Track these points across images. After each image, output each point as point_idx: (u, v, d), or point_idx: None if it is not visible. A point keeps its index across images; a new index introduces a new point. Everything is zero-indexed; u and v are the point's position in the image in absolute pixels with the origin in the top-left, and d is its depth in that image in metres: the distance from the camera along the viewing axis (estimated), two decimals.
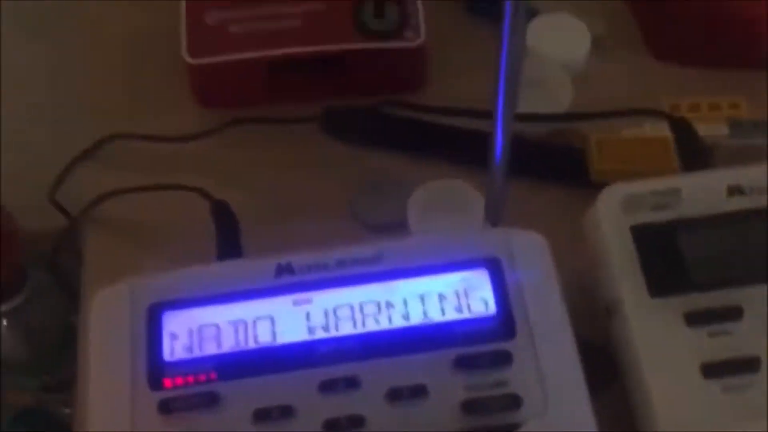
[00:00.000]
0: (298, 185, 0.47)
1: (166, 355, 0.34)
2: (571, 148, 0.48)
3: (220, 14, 0.47)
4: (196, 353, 0.34)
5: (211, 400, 0.32)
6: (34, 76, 0.52)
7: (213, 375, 0.33)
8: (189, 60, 0.47)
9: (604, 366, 0.38)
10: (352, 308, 0.35)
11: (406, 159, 0.48)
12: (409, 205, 0.44)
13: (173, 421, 0.32)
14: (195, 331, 0.34)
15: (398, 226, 0.45)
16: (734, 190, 0.38)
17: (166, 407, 0.32)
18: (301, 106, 0.49)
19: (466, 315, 0.35)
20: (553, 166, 0.48)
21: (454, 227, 0.44)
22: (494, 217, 0.39)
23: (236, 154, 0.48)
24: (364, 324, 0.34)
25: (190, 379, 0.33)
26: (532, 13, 0.53)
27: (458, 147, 0.48)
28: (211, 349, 0.34)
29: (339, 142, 0.49)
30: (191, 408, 0.32)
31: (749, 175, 0.38)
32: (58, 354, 0.61)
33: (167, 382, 0.33)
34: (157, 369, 0.33)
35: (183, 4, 0.48)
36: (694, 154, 0.42)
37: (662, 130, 0.46)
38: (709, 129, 0.47)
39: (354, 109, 0.49)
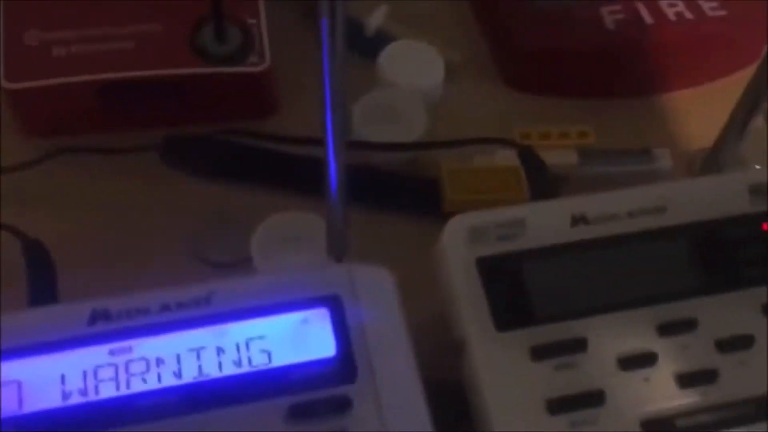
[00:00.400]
0: (133, 221, 0.43)
1: None
2: (424, 178, 0.47)
3: (41, 35, 0.43)
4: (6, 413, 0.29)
5: None
6: None
7: None
8: (5, 85, 0.42)
9: (457, 405, 0.37)
10: (176, 357, 0.31)
11: (252, 190, 0.46)
12: (253, 240, 0.42)
13: None
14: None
15: (244, 263, 0.42)
16: (578, 220, 0.37)
17: None
18: (138, 135, 0.45)
19: (302, 358, 0.32)
20: (407, 196, 0.46)
21: (301, 262, 0.41)
22: (337, 250, 0.37)
23: (61, 187, 0.43)
24: (189, 374, 0.31)
25: None
26: (386, 40, 0.52)
27: (304, 176, 0.45)
28: (10, 410, 0.30)
29: (178, 173, 0.45)
30: None
31: (593, 203, 0.37)
32: None
33: None
34: None
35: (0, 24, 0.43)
36: (542, 183, 0.41)
37: (514, 159, 0.46)
38: (559, 157, 0.47)
39: (195, 137, 0.46)
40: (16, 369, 0.30)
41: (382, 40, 0.52)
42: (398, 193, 0.46)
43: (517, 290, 0.35)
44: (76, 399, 0.30)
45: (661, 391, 0.34)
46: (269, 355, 0.32)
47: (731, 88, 0.47)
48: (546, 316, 0.35)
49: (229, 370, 0.31)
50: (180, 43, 0.44)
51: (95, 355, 0.31)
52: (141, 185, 0.45)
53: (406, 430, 0.31)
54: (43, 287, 0.36)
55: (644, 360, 0.34)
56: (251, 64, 0.45)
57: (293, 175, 0.46)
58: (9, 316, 0.32)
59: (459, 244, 0.36)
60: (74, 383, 0.31)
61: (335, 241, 0.36)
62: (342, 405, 0.31)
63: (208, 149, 0.46)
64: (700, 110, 0.53)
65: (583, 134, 0.48)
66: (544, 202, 0.38)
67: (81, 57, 0.43)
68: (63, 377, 0.31)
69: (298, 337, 0.33)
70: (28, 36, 0.43)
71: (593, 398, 0.33)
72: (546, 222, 0.37)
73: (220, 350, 0.32)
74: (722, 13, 0.52)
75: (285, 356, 0.32)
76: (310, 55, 0.53)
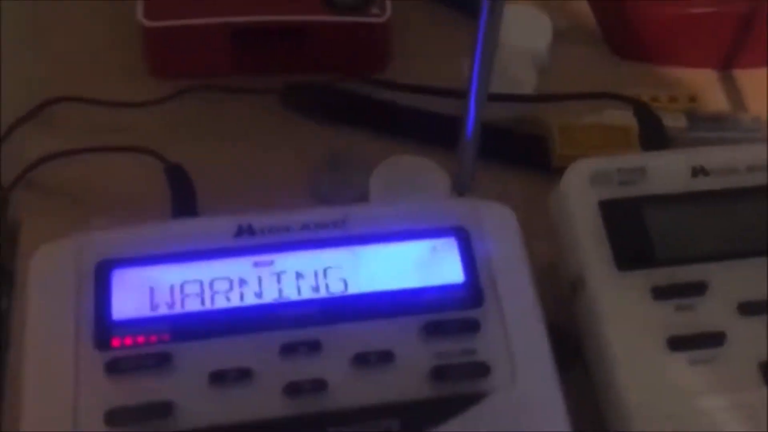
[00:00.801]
0: (257, 158, 0.45)
1: (115, 314, 0.31)
2: (534, 135, 0.48)
3: None
4: (148, 313, 0.32)
5: (163, 361, 0.30)
6: None
7: (166, 336, 0.31)
8: (145, 23, 0.45)
9: (567, 348, 0.38)
10: (315, 272, 0.33)
11: (367, 137, 0.47)
12: (372, 180, 0.43)
13: (122, 383, 0.30)
14: (147, 289, 0.32)
15: (360, 203, 0.44)
16: (698, 171, 0.38)
17: (113, 368, 0.30)
18: (261, 79, 0.47)
19: (433, 282, 0.34)
20: (517, 151, 0.47)
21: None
22: (462, 188, 0.38)
23: (190, 123, 0.46)
24: (327, 288, 0.33)
25: (141, 339, 0.31)
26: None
27: (420, 127, 0.48)
28: (164, 309, 0.32)
29: (299, 117, 0.47)
30: (141, 369, 0.30)
31: (712, 156, 0.38)
32: None
33: (115, 342, 0.31)
34: (104, 328, 0.31)
35: None
36: (656, 140, 0.42)
37: (623, 118, 0.47)
38: (669, 120, 0.47)
39: (315, 84, 0.48)
40: (170, 274, 0.33)
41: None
42: (508, 147, 0.47)
43: (638, 232, 0.36)
44: (223, 302, 0.32)
45: None
46: (402, 277, 0.34)
47: None
48: (666, 259, 0.35)
49: (366, 287, 0.33)
50: None
51: (241, 265, 0.33)
52: (263, 125, 0.47)
53: (529, 353, 0.33)
54: (185, 206, 0.38)
55: (763, 306, 0.35)
56: (374, 15, 0.47)
57: (404, 123, 0.48)
58: (162, 224, 0.34)
59: (581, 186, 0.37)
60: (221, 289, 0.33)
61: (463, 179, 0.38)
62: (471, 326, 0.33)
63: (324, 96, 0.48)
64: None
65: (692, 98, 0.49)
66: (664, 152, 0.39)
67: (215, 0, 0.45)
68: (212, 283, 0.33)
69: (429, 263, 0.34)
70: None
71: (713, 339, 0.34)
72: (666, 171, 0.38)
73: (355, 269, 0.34)
74: None
75: (416, 279, 0.34)
76: (417, 14, 0.55)
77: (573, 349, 0.38)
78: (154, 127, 0.45)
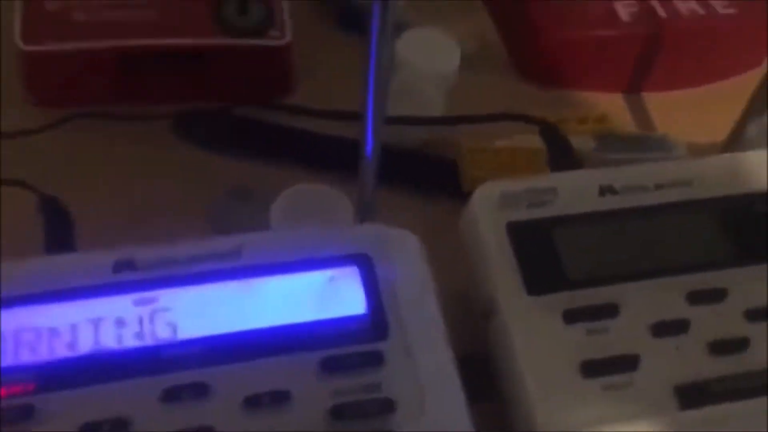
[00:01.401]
0: (146, 192, 0.42)
1: None
2: (443, 158, 0.47)
3: (61, 0, 0.43)
4: (10, 361, 0.28)
5: (25, 415, 0.27)
6: None
7: (30, 386, 0.28)
8: (23, 47, 0.41)
9: (482, 378, 0.36)
10: (203, 308, 0.30)
11: (265, 165, 0.45)
12: (272, 212, 0.41)
13: None
14: (10, 333, 0.29)
15: None
16: (606, 190, 0.37)
17: None
18: (153, 109, 0.44)
19: (334, 314, 0.31)
20: (424, 175, 0.46)
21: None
22: (365, 215, 0.36)
23: (72, 154, 0.42)
24: (216, 326, 0.30)
25: (2, 391, 0.27)
26: (402, 26, 0.52)
27: (320, 152, 0.45)
28: (29, 356, 0.28)
29: (193, 146, 0.45)
30: (4, 424, 0.27)
31: (620, 175, 0.37)
32: None
33: None
34: None
35: None
36: (564, 161, 0.41)
37: (533, 141, 0.46)
38: (577, 142, 0.46)
39: (208, 111, 0.45)
40: (37, 315, 0.29)
41: (398, 26, 0.52)
42: (416, 171, 0.46)
43: (548, 255, 0.35)
44: (97, 346, 0.29)
45: (694, 358, 0.33)
46: (299, 310, 0.31)
47: (742, 86, 0.47)
48: (577, 282, 0.34)
49: (259, 323, 0.30)
50: (203, 14, 0.44)
51: (119, 304, 0.30)
52: (154, 155, 0.44)
53: (437, 386, 0.30)
54: (60, 241, 0.34)
55: (676, 327, 0.34)
56: (272, 38, 0.45)
57: (304, 150, 0.46)
58: (30, 260, 0.31)
59: (489, 209, 0.36)
60: (95, 332, 0.29)
61: (365, 206, 0.36)
62: (374, 360, 0.30)
63: (218, 123, 0.45)
64: (712, 107, 0.53)
65: (600, 119, 0.48)
66: (573, 172, 0.38)
67: (101, 23, 0.42)
68: (86, 325, 0.29)
69: (329, 294, 0.32)
70: (49, 1, 0.42)
71: (627, 362, 0.32)
72: (574, 191, 0.37)
73: (249, 304, 0.31)
74: (732, 11, 0.53)
75: (315, 312, 0.31)
76: (325, 40, 0.54)
77: (488, 378, 0.36)
78: (31, 160, 0.41)
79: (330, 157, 0.45)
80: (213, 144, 0.45)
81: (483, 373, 0.36)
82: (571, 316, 0.33)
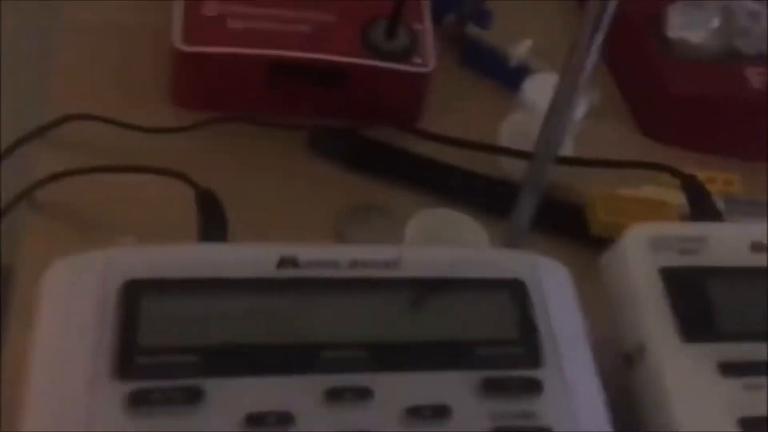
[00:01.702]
0: (280, 197, 0.43)
1: (141, 341, 0.27)
2: (569, 202, 0.46)
3: (220, 7, 0.44)
4: (179, 342, 0.28)
5: (193, 397, 0.26)
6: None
7: (198, 369, 0.27)
8: (181, 48, 0.43)
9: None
10: (367, 313, 0.30)
11: (392, 187, 0.45)
12: (408, 230, 0.41)
13: (143, 419, 0.26)
14: (180, 316, 0.28)
15: None
16: (757, 246, 0.36)
17: (136, 401, 0.26)
18: (292, 119, 0.45)
19: (491, 336, 0.31)
20: (552, 217, 0.46)
21: None
22: (515, 244, 0.36)
23: (216, 153, 0.43)
24: (380, 332, 0.30)
25: (170, 370, 0.27)
26: (527, 72, 0.53)
27: (455, 184, 0.46)
28: (197, 340, 0.28)
29: (325, 160, 0.45)
30: (168, 404, 0.26)
31: None
32: None
33: (140, 372, 0.27)
34: (127, 355, 0.27)
35: None
36: (709, 212, 0.41)
37: (661, 193, 0.46)
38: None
39: (343, 130, 0.46)
40: (206, 301, 0.29)
41: (523, 71, 0.53)
42: (543, 212, 0.46)
43: (702, 303, 0.34)
44: (264, 338, 0.29)
45: None
46: (459, 328, 0.31)
47: None
48: (732, 334, 0.33)
49: (423, 335, 0.30)
50: (351, 34, 0.45)
51: (285, 300, 0.30)
52: (289, 166, 0.44)
53: (591, 420, 0.30)
54: (214, 234, 0.35)
55: None
56: (416, 65, 0.45)
57: (437, 179, 0.46)
58: (198, 247, 0.31)
59: (641, 252, 0.35)
60: (261, 324, 0.29)
61: (518, 235, 0.36)
62: (533, 387, 0.29)
63: (351, 144, 0.46)
64: None
65: (728, 182, 0.48)
66: (723, 224, 0.38)
67: (255, 32, 0.43)
68: (253, 316, 0.29)
69: (487, 315, 0.31)
70: (207, 6, 0.44)
71: None
72: (726, 243, 0.36)
73: (412, 315, 0.30)
74: None
75: (475, 332, 0.31)
76: (451, 75, 0.55)
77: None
78: (176, 155, 0.42)
79: (458, 187, 0.45)
80: (344, 161, 0.45)
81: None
82: (728, 369, 0.32)
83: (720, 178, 0.48)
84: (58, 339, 0.28)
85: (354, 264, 0.31)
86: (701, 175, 0.48)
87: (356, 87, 0.45)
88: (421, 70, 0.45)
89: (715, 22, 0.55)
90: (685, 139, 0.52)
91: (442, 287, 0.31)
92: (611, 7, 0.32)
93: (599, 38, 0.33)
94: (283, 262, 0.31)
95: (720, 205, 0.47)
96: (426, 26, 0.47)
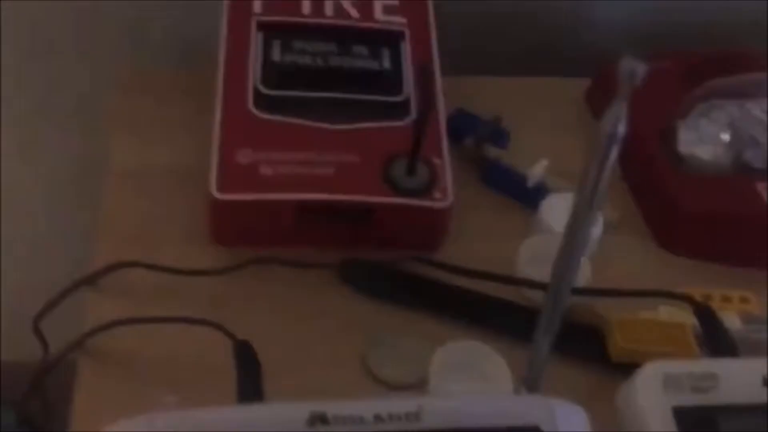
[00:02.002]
0: (312, 330, 0.45)
1: None
2: (587, 325, 0.48)
3: (252, 155, 0.48)
4: None
5: None
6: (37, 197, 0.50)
7: None
8: (216, 196, 0.46)
9: None
10: None
11: (420, 317, 0.47)
12: (433, 363, 0.43)
13: None
14: None
15: (412, 385, 0.44)
16: None
17: None
18: (322, 253, 0.48)
19: None
20: (569, 340, 0.47)
21: (474, 389, 0.42)
22: (533, 384, 0.38)
23: (250, 294, 0.46)
24: None
25: None
26: (545, 191, 0.55)
27: (477, 311, 0.48)
28: None
29: (356, 291, 0.48)
30: None
31: None
32: None
33: None
34: None
35: (215, 141, 0.48)
36: (722, 343, 0.42)
37: (678, 315, 0.47)
38: (723, 320, 0.47)
39: (371, 262, 0.48)
40: None
41: (541, 190, 0.55)
42: (563, 336, 0.47)
43: None
44: None
45: None
46: None
47: None
48: None
49: None
50: (373, 173, 0.48)
51: None
52: (321, 298, 0.47)
53: None
54: (252, 387, 0.37)
55: None
56: (436, 199, 0.48)
57: (464, 309, 0.48)
58: (233, 409, 0.34)
59: (654, 391, 0.37)
60: None
61: (534, 375, 0.37)
62: None
63: (379, 274, 0.49)
64: None
65: (744, 300, 0.49)
66: (735, 360, 0.39)
67: (285, 177, 0.47)
68: None
69: None
70: (241, 154, 0.47)
71: None
72: (738, 379, 0.37)
73: None
74: None
75: None
76: (471, 197, 0.57)
77: None
78: (215, 294, 0.45)
79: (485, 317, 0.47)
80: (373, 292, 0.48)
81: None
82: None
83: (736, 297, 0.49)
84: None
85: (378, 418, 0.34)
86: (717, 293, 0.50)
87: (379, 223, 0.48)
88: (441, 204, 0.48)
89: (725, 137, 0.57)
90: (700, 252, 0.53)
91: None
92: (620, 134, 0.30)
93: (609, 164, 0.31)
94: (313, 420, 0.33)
95: (736, 324, 0.48)
96: (444, 160, 0.50)
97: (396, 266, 0.49)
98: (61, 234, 0.51)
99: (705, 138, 0.56)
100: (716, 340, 0.42)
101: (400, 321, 0.47)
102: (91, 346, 0.42)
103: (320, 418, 0.33)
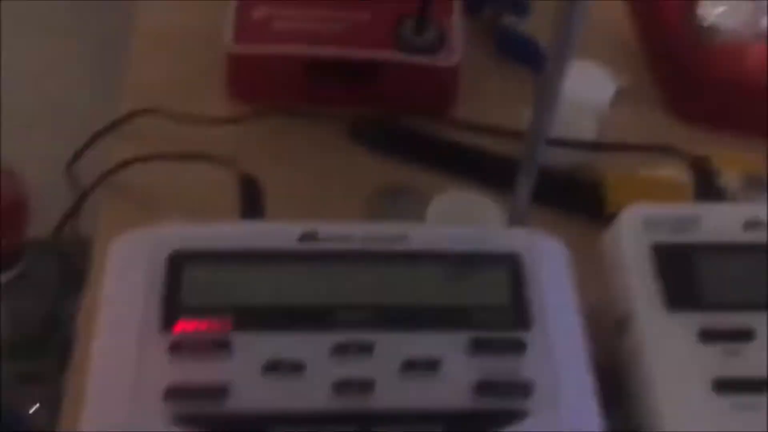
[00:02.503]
0: (320, 181, 0.48)
1: (183, 300, 0.33)
2: (588, 182, 0.49)
3: (267, 9, 0.49)
4: (213, 301, 0.33)
5: (222, 347, 0.32)
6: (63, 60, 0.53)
7: (228, 325, 0.33)
8: (233, 48, 0.48)
9: (608, 388, 0.38)
10: (374, 280, 0.35)
11: (427, 173, 0.49)
12: (429, 210, 0.45)
13: (182, 364, 0.32)
14: (214, 280, 0.34)
15: None
16: (751, 224, 0.39)
17: (175, 348, 0.32)
18: (332, 109, 0.50)
19: (485, 302, 0.35)
20: (571, 196, 0.49)
21: None
22: (518, 221, 0.40)
23: (264, 141, 0.48)
24: (385, 297, 0.34)
25: (204, 325, 0.33)
26: None
27: (478, 166, 0.50)
28: (227, 300, 0.34)
29: (365, 147, 0.50)
30: (202, 352, 0.32)
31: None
32: (38, 342, 0.60)
33: (180, 326, 0.33)
34: (171, 312, 0.33)
35: None
36: (710, 195, 0.43)
37: (678, 176, 0.48)
38: (725, 181, 0.48)
39: (382, 120, 0.50)
40: (236, 268, 0.34)
41: None
42: (563, 192, 0.49)
43: (689, 276, 0.37)
44: (284, 299, 0.34)
45: None
46: (456, 294, 0.35)
47: None
48: (715, 304, 0.36)
49: (421, 299, 0.35)
50: (384, 32, 0.49)
51: (304, 267, 0.35)
52: (330, 152, 0.49)
53: (572, 380, 0.33)
54: (253, 214, 0.40)
55: None
56: (443, 57, 0.49)
57: (462, 162, 0.50)
58: (232, 223, 0.37)
59: (635, 228, 0.38)
60: (282, 287, 0.34)
61: (518, 213, 0.39)
62: (517, 346, 0.34)
63: (390, 132, 0.50)
64: None
65: (750, 162, 0.50)
66: (719, 204, 0.40)
67: (297, 32, 0.49)
68: (275, 280, 0.34)
69: (482, 284, 0.36)
70: (257, 9, 0.49)
71: (759, 385, 0.34)
72: (720, 222, 0.39)
73: (412, 281, 0.35)
74: None
75: (470, 297, 0.35)
76: (484, 63, 0.58)
77: (614, 389, 0.38)
78: (229, 143, 0.48)
79: (486, 171, 0.49)
80: (383, 149, 0.50)
81: (608, 384, 0.38)
82: (707, 336, 0.35)
83: (742, 158, 0.50)
84: (118, 299, 0.34)
85: (366, 238, 0.36)
86: (725, 155, 0.51)
87: (388, 80, 0.50)
88: (449, 63, 0.49)
89: (748, 5, 0.56)
90: (717, 121, 0.53)
91: (443, 259, 0.36)
92: None
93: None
94: (305, 237, 0.36)
95: (737, 184, 0.49)
96: (454, 21, 0.50)
97: (405, 124, 0.50)
98: (87, 92, 0.54)
99: (728, 5, 0.56)
100: (707, 190, 0.43)
101: (408, 178, 0.49)
102: (113, 183, 0.45)
103: (311, 236, 0.36)
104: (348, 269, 0.35)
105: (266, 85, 0.50)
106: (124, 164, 0.45)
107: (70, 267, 0.49)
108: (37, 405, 0.58)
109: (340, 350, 0.32)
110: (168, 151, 0.45)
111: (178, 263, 0.34)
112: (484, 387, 0.32)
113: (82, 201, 0.45)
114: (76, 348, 0.38)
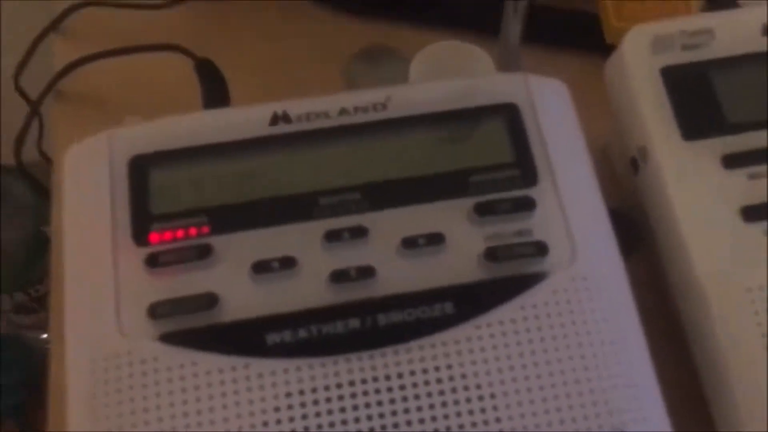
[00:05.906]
0: (287, 54, 0.43)
1: (152, 209, 0.30)
2: (583, 11, 0.45)
3: None
4: (186, 206, 0.30)
5: (204, 253, 0.29)
6: None
7: (205, 228, 0.30)
8: None
9: (626, 232, 0.36)
10: (357, 157, 0.31)
11: (404, 29, 0.44)
12: (412, 66, 0.41)
13: (163, 277, 0.29)
14: (183, 182, 0.31)
15: None
16: None
17: (154, 262, 0.29)
18: None
19: (483, 162, 0.31)
20: (565, 29, 0.44)
21: None
22: (508, 64, 0.35)
23: (216, 21, 0.44)
24: (371, 174, 0.31)
25: (180, 233, 0.30)
26: None
27: (459, 12, 0.45)
28: (202, 202, 0.30)
29: (331, 11, 0.45)
30: (182, 262, 0.29)
31: None
32: (27, 269, 0.58)
33: (154, 237, 0.30)
34: (142, 223, 0.30)
35: None
36: (721, 2, 0.38)
37: None
38: None
39: None
40: (205, 165, 0.31)
41: None
42: (556, 26, 0.44)
43: (706, 99, 0.33)
44: (262, 192, 0.31)
45: None
46: (450, 159, 0.32)
47: None
48: (738, 125, 0.33)
49: (411, 171, 0.31)
50: None
51: (279, 154, 0.31)
52: (293, 20, 0.44)
53: (588, 230, 0.30)
54: (216, 101, 0.36)
55: None
56: None
57: (441, 10, 0.45)
58: (193, 116, 0.33)
59: (642, 54, 0.34)
60: (259, 179, 0.31)
61: (509, 55, 0.35)
62: (525, 205, 0.30)
63: None
64: None
65: None
66: (731, 11, 0.36)
67: None
68: (250, 173, 0.31)
69: (478, 143, 0.32)
70: None
71: None
72: (735, 31, 0.34)
73: (399, 152, 0.31)
74: None
75: (465, 160, 0.32)
76: None
77: (632, 232, 0.36)
78: (179, 28, 0.43)
79: (468, 16, 0.44)
80: (348, 6, 0.45)
81: (629, 227, 0.35)
82: (731, 161, 0.32)
83: None
84: (81, 214, 0.31)
85: (343, 112, 0.32)
86: None
87: None
88: None
89: None
90: None
91: (431, 122, 0.32)
92: None
93: None
94: (276, 119, 0.32)
95: None
96: None
97: None
98: None
99: None
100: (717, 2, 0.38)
101: (383, 38, 0.44)
102: (62, 92, 0.41)
103: (283, 117, 0.32)
104: (328, 149, 0.31)
105: None
106: (70, 67, 0.41)
107: (42, 188, 0.46)
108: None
109: (332, 238, 0.29)
110: (115, 47, 0.40)
111: (141, 168, 0.31)
112: (494, 254, 0.29)
113: (32, 116, 0.41)
114: (53, 278, 0.36)
